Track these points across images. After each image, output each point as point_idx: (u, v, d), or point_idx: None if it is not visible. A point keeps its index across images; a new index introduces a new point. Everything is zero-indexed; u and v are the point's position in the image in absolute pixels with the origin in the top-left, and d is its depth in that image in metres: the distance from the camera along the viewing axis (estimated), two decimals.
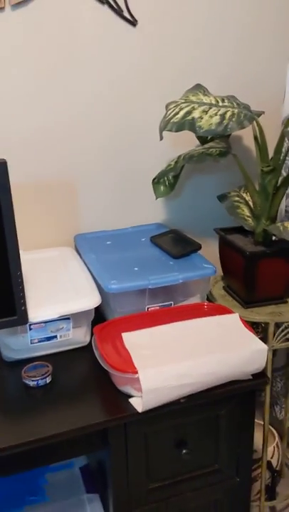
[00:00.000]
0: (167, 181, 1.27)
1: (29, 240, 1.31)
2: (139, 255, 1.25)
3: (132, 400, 0.96)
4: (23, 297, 0.94)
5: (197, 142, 1.34)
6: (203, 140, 1.31)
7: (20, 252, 0.93)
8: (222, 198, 1.34)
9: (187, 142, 1.36)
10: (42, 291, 1.10)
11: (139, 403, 0.94)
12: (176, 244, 1.28)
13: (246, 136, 1.43)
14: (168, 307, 1.17)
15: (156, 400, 0.93)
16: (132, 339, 1.03)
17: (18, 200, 1.25)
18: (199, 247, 1.24)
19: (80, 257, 1.28)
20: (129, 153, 1.37)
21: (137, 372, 0.92)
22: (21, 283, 0.92)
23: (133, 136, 1.35)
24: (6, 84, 1.21)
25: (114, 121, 1.33)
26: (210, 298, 1.32)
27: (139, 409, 0.94)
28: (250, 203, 1.29)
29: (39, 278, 1.17)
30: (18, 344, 1.06)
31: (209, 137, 1.29)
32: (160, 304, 1.17)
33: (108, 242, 1.33)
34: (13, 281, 0.91)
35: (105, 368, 0.97)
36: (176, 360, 0.96)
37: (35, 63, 1.21)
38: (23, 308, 0.94)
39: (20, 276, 0.91)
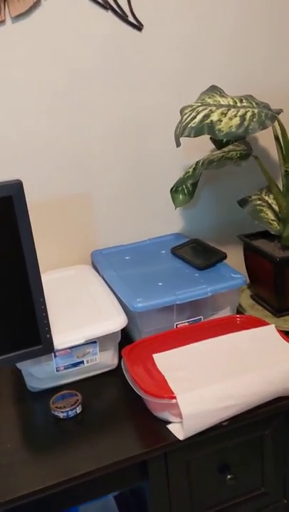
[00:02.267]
0: (186, 189, 1.21)
1: (44, 260, 1.24)
2: (162, 269, 1.19)
3: (170, 427, 0.89)
4: (48, 324, 0.87)
5: (210, 147, 1.28)
6: (219, 144, 1.24)
7: None
8: (243, 202, 1.27)
9: (201, 147, 1.30)
10: (64, 314, 1.04)
11: (179, 430, 0.87)
12: (199, 254, 1.21)
13: (262, 136, 1.37)
14: (198, 322, 1.10)
15: (197, 426, 0.86)
16: (164, 360, 0.97)
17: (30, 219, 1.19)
18: (225, 256, 1.18)
19: (99, 274, 1.22)
20: (141, 161, 1.31)
21: (174, 398, 0.86)
22: (45, 309, 0.86)
23: (144, 144, 1.29)
24: (11, 99, 1.15)
25: (123, 130, 1.27)
26: (239, 309, 1.25)
27: (180, 436, 0.87)
28: (274, 206, 1.23)
29: (59, 300, 1.10)
30: (43, 373, 1.00)
31: (225, 140, 1.23)
32: (189, 320, 1.10)
33: (127, 257, 1.26)
34: (37, 308, 0.85)
35: (139, 393, 0.91)
36: (215, 380, 0.89)
37: (41, 76, 1.16)
38: (48, 335, 0.88)
39: (44, 302, 0.85)
